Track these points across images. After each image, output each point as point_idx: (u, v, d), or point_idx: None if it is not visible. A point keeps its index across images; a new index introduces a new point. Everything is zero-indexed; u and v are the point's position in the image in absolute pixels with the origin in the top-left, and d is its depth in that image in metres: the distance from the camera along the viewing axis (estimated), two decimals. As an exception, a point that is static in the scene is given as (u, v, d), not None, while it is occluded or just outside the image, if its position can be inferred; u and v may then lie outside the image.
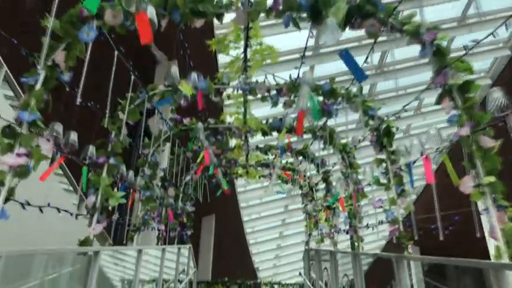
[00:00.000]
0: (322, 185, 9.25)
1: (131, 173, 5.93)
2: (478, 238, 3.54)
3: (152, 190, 6.54)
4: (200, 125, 6.54)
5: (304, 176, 9.87)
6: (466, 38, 14.14)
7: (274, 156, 8.68)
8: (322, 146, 7.01)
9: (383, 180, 5.03)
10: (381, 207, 4.84)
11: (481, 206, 3.09)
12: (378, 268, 9.76)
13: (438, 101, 3.53)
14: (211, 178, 10.79)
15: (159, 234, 7.95)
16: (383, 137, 5.11)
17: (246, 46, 4.31)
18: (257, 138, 8.30)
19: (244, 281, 17.22)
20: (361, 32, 3.85)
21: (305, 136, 7.72)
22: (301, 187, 11.03)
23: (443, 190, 4.37)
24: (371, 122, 5.29)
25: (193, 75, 5.17)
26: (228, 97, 5.63)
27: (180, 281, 10.32)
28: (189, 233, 10.52)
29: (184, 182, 9.68)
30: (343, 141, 6.92)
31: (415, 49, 3.78)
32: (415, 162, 4.71)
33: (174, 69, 5.29)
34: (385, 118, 5.24)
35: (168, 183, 8.13)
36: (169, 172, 8.25)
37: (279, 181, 11.18)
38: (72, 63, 3.70)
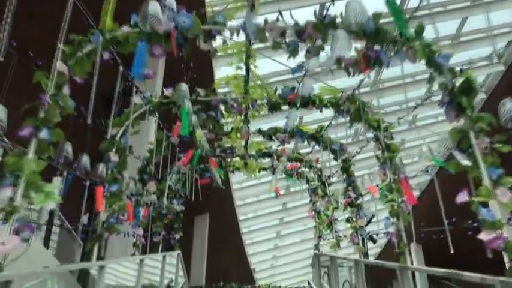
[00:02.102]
0: (337, 178, 7.38)
1: (85, 158, 4.01)
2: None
3: (120, 183, 4.61)
4: (184, 87, 4.56)
5: (314, 167, 7.96)
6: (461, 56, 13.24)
7: (280, 143, 6.75)
8: (347, 123, 5.11)
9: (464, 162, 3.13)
10: (470, 203, 2.95)
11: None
12: (377, 268, 8.16)
13: None
14: (203, 171, 8.88)
15: (136, 241, 6.02)
16: (461, 97, 3.22)
17: None
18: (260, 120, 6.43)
19: (240, 286, 15.28)
20: None
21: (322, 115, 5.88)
22: (308, 181, 9.14)
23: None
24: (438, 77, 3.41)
25: (170, 1, 3.25)
26: (224, 42, 3.69)
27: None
28: (177, 236, 8.57)
29: (171, 176, 7.75)
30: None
31: None
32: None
33: (154, 6, 3.31)
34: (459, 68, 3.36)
35: (147, 176, 6.20)
36: (151, 162, 6.32)
37: (284, 175, 9.29)
38: None
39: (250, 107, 5.15)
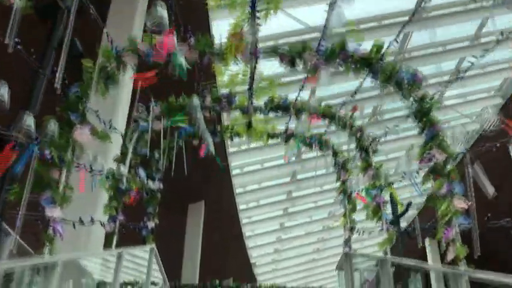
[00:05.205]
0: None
1: None
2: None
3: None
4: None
5: (352, 125, 5.07)
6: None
7: (308, 71, 3.86)
8: None
9: None
10: None
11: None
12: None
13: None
14: (189, 136, 6.04)
15: (47, 230, 3.14)
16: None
17: None
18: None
19: (239, 285, 12.45)
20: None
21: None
22: (335, 153, 6.28)
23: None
24: None
25: None
26: None
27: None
28: (151, 225, 5.73)
29: (137, 134, 4.89)
30: None
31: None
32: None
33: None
34: None
35: (77, 117, 3.33)
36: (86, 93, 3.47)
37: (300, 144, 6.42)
38: None
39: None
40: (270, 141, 13.83)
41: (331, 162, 6.43)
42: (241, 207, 15.79)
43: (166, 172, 6.46)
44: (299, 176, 15.80)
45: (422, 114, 3.45)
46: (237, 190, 14.72)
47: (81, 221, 3.54)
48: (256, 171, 14.87)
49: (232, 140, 6.44)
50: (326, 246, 19.89)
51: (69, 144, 3.18)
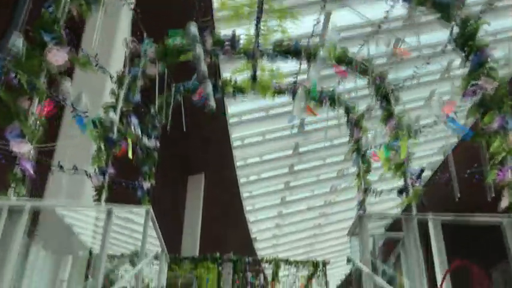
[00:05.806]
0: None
1: None
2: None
3: None
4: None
5: (371, 72, 4.48)
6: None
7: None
8: None
9: None
10: None
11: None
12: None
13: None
14: (188, 91, 5.46)
15: (15, 171, 2.58)
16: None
17: None
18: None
19: (240, 258, 12.01)
20: None
21: None
22: (347, 110, 5.71)
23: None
24: None
25: None
26: None
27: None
28: (147, 185, 5.19)
29: (129, 79, 4.30)
30: None
31: None
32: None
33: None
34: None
35: (52, 39, 2.74)
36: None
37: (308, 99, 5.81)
38: None
39: None
40: (273, 112, 13.15)
41: (344, 130, 5.89)
42: (241, 180, 15.29)
43: (166, 141, 5.89)
44: (301, 149, 15.27)
45: (467, 38, 2.85)
46: (238, 163, 14.18)
47: (60, 167, 2.98)
48: (258, 143, 14.30)
49: (234, 95, 5.83)
50: (328, 221, 19.52)
51: (41, 69, 2.59)
